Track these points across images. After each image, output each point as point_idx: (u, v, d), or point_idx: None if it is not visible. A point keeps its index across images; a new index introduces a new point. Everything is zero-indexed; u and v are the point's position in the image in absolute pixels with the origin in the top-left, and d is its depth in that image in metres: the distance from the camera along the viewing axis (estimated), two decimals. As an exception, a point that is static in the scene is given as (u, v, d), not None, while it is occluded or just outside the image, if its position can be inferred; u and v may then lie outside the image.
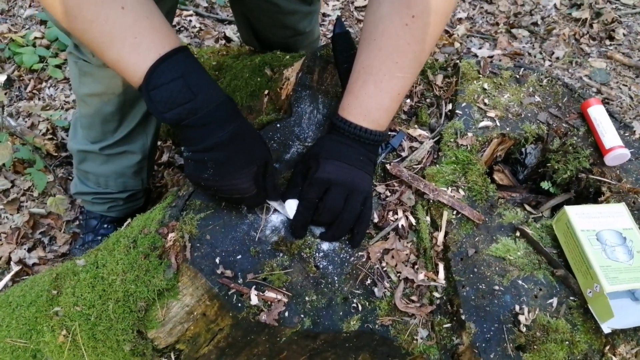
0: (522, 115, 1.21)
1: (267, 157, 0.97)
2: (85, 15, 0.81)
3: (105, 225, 1.74)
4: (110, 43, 0.84)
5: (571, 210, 0.99)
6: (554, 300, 0.95)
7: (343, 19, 2.71)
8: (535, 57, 2.53)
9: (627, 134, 1.19)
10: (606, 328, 0.90)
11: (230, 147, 0.90)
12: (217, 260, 0.95)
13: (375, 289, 0.97)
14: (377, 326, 0.93)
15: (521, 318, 0.93)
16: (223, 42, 2.48)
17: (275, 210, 1.02)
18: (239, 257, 0.96)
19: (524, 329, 0.92)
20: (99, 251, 1.08)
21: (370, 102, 1.02)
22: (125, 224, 1.13)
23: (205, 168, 0.91)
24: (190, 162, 0.93)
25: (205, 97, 0.88)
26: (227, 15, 2.65)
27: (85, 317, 1.03)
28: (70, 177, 1.94)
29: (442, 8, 0.94)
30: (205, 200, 1.02)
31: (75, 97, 1.56)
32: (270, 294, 0.93)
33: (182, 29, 2.57)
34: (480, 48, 2.57)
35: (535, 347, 0.91)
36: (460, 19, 2.75)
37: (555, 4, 2.80)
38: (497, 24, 2.72)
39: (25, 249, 1.76)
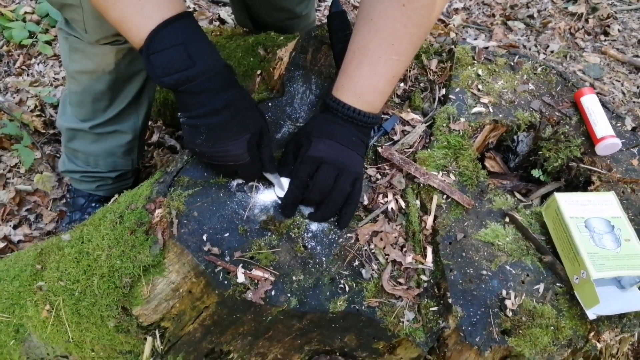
0: (515, 103, 1.20)
1: (262, 126, 0.97)
2: None
3: (93, 204, 1.71)
4: (114, 3, 0.84)
5: (561, 197, 0.99)
6: (541, 286, 0.95)
7: (339, 5, 2.69)
8: (530, 49, 2.53)
9: (618, 124, 1.19)
10: (591, 314, 0.91)
11: (224, 114, 0.91)
12: (204, 238, 0.94)
13: (363, 271, 0.97)
14: (363, 307, 0.93)
15: (508, 303, 0.93)
16: (217, 23, 2.45)
17: (265, 188, 1.01)
18: (227, 235, 0.95)
19: (510, 314, 0.92)
20: (85, 226, 1.06)
21: (365, 84, 1.01)
22: (112, 199, 1.11)
23: (199, 133, 0.92)
24: (186, 128, 0.94)
25: (203, 65, 0.88)
26: (222, -3, 2.62)
27: (69, 292, 1.02)
28: (58, 155, 1.92)
29: None
30: (193, 177, 1.00)
31: (66, 74, 1.53)
32: (257, 273, 0.92)
33: (175, 9, 2.53)
34: (475, 39, 2.56)
35: (520, 331, 0.91)
36: (456, 9, 2.74)
37: (551, -2, 2.79)
38: (494, 15, 2.72)
39: (10, 225, 1.74)
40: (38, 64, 2.23)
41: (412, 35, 0.97)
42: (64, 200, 1.82)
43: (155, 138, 1.97)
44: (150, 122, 1.99)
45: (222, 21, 2.44)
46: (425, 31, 0.99)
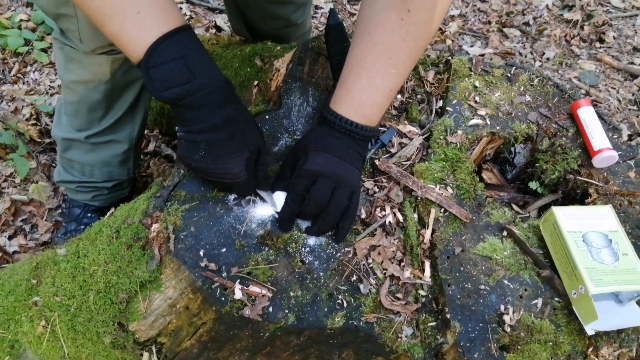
0: (513, 115, 1.21)
1: (261, 144, 0.96)
2: None
3: (89, 215, 1.71)
4: (112, 16, 0.83)
5: (558, 211, 0.99)
6: (539, 301, 0.95)
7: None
8: (526, 57, 2.53)
9: (615, 136, 1.19)
10: (590, 330, 0.91)
11: (224, 131, 0.90)
12: (201, 253, 0.93)
13: (361, 286, 0.96)
14: (361, 323, 0.92)
15: (506, 318, 0.93)
16: (213, 31, 2.45)
17: (262, 202, 1.01)
18: (224, 250, 0.94)
19: (508, 329, 0.92)
20: (81, 241, 1.06)
21: (362, 97, 1.01)
22: (108, 213, 1.10)
23: (198, 149, 0.91)
24: (183, 142, 0.93)
25: (204, 79, 0.87)
26: (218, 4, 2.61)
27: (65, 307, 1.01)
28: (53, 164, 1.91)
29: (439, 3, 0.93)
30: (190, 191, 1.00)
31: (61, 84, 1.52)
32: (254, 289, 0.91)
33: (172, 16, 2.53)
34: (472, 46, 2.57)
35: (519, 347, 0.90)
36: (452, 16, 2.74)
37: (547, 5, 2.80)
38: (490, 22, 2.72)
39: (5, 236, 1.72)
40: (34, 72, 2.22)
41: (411, 49, 0.97)
42: (60, 211, 1.81)
43: (151, 147, 1.96)
44: (146, 131, 1.98)
45: (219, 29, 2.44)
46: (424, 45, 0.99)
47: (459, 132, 1.14)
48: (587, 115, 1.17)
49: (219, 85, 0.89)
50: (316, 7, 2.69)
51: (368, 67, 0.98)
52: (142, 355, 1.02)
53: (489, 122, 1.18)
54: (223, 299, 0.90)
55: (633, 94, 2.40)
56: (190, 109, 0.88)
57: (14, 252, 1.69)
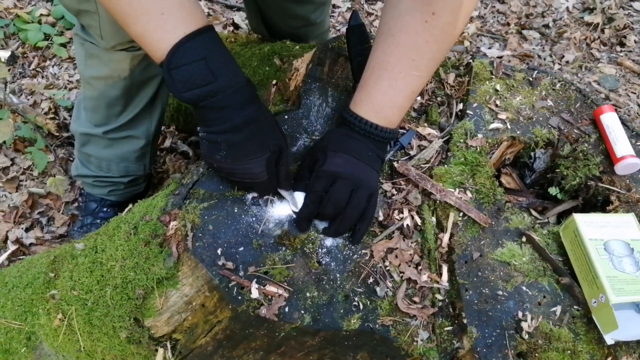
0: (534, 119, 1.19)
1: (282, 144, 0.96)
2: None
3: (105, 209, 1.72)
4: (136, 16, 0.83)
5: (580, 218, 0.98)
6: (558, 309, 0.94)
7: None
8: (545, 59, 2.51)
9: (638, 143, 1.17)
10: (609, 339, 0.89)
11: (245, 131, 0.91)
12: (219, 252, 0.93)
13: (378, 288, 0.96)
14: (377, 326, 0.92)
15: (524, 325, 0.92)
16: (231, 28, 2.45)
17: (280, 202, 1.01)
18: (241, 249, 0.94)
19: (526, 336, 0.91)
20: (99, 236, 1.06)
21: (384, 99, 1.00)
22: (126, 209, 1.11)
23: (219, 149, 0.92)
24: (205, 143, 0.94)
25: (225, 81, 0.87)
26: (237, 2, 2.62)
27: (82, 301, 1.02)
28: (71, 158, 1.93)
29: (463, 6, 0.92)
30: (209, 189, 1.00)
31: (81, 79, 1.54)
32: (271, 288, 0.91)
33: (190, 13, 2.54)
34: (490, 48, 2.55)
35: (536, 355, 0.89)
36: (471, 18, 2.72)
37: (567, 7, 2.77)
38: (508, 24, 2.70)
39: (22, 228, 1.74)
40: (53, 67, 2.24)
41: (434, 52, 0.96)
42: (76, 204, 1.82)
43: (167, 143, 1.97)
44: (162, 128, 1.99)
45: (236, 26, 2.44)
46: (447, 47, 0.98)
47: (479, 135, 1.13)
48: (610, 121, 1.15)
49: (240, 86, 0.89)
50: (334, 6, 2.68)
51: (390, 69, 0.98)
52: (156, 350, 1.02)
53: (509, 127, 1.17)
54: (239, 297, 0.90)
55: (653, 100, 2.37)
56: (212, 110, 0.89)
57: (31, 244, 1.71)
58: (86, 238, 1.10)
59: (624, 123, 1.17)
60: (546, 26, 2.67)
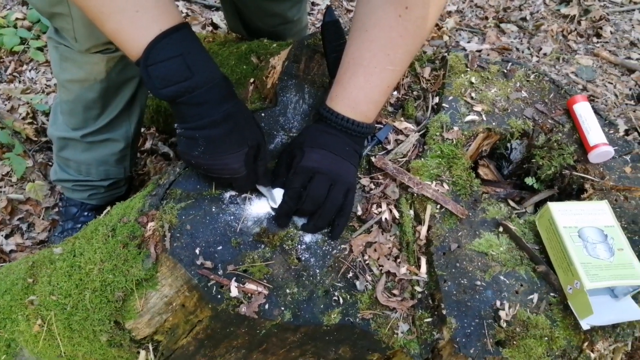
0: (509, 110, 1.20)
1: (260, 139, 0.97)
2: None
3: (86, 213, 1.70)
4: (110, 14, 0.83)
5: (554, 207, 0.99)
6: (535, 296, 0.95)
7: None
8: (523, 52, 2.53)
9: (611, 132, 1.19)
10: (585, 325, 0.91)
11: (223, 127, 0.91)
12: (197, 251, 0.93)
13: (357, 282, 0.96)
14: (357, 320, 0.93)
15: (502, 314, 0.93)
16: (210, 28, 2.44)
17: (258, 200, 1.01)
18: (220, 248, 0.94)
19: (504, 325, 0.92)
20: (77, 239, 1.06)
21: (359, 94, 1.01)
22: (104, 212, 1.10)
23: (197, 145, 0.91)
24: (182, 139, 0.93)
25: (202, 77, 0.87)
26: (215, 1, 2.61)
27: (61, 306, 1.01)
28: (50, 163, 1.91)
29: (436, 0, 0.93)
30: (186, 189, 1.00)
31: (56, 83, 1.52)
32: (250, 286, 0.91)
33: (168, 14, 2.52)
34: (469, 42, 2.56)
35: (514, 342, 0.91)
36: (449, 12, 2.74)
37: (544, 0, 2.80)
38: (487, 18, 2.72)
39: (2, 235, 1.72)
40: (30, 71, 2.21)
41: (408, 45, 0.97)
42: (56, 209, 1.81)
43: (148, 145, 1.96)
44: (143, 129, 1.98)
45: (215, 26, 2.44)
46: (421, 41, 0.99)
47: (455, 128, 1.14)
48: (583, 110, 1.17)
49: (217, 82, 0.89)
50: (313, 3, 2.69)
51: (365, 64, 0.98)
52: (138, 353, 1.02)
53: (485, 118, 1.18)
54: (219, 296, 0.90)
55: (630, 89, 2.40)
56: (189, 106, 0.88)
57: (11, 251, 1.69)
58: (64, 242, 1.09)
59: (596, 112, 1.19)
60: (524, 19, 2.70)
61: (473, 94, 1.21)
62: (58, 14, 1.18)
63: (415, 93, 1.24)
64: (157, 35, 0.83)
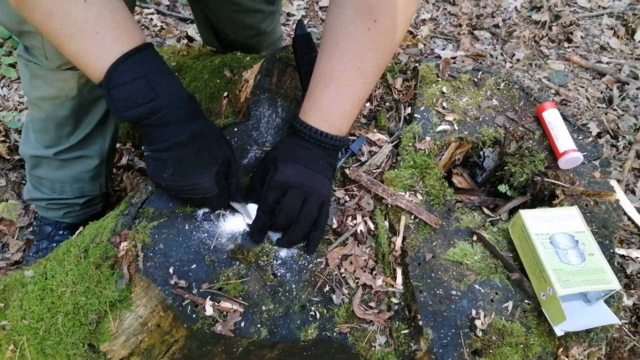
0: (480, 119, 1.22)
1: (230, 156, 0.96)
2: (45, 6, 0.78)
3: (61, 232, 1.68)
4: (70, 37, 0.82)
5: (526, 214, 1.01)
6: (510, 304, 0.96)
7: (307, 19, 2.70)
8: (496, 58, 2.57)
9: (580, 137, 1.21)
10: (559, 331, 0.92)
11: (190, 146, 0.90)
12: (171, 270, 0.92)
13: (334, 296, 0.96)
14: (335, 334, 0.92)
15: (477, 323, 0.93)
16: (185, 41, 2.43)
17: (232, 216, 1.00)
18: (194, 266, 0.93)
19: (480, 334, 0.93)
20: (49, 261, 1.04)
21: (331, 107, 1.01)
22: (76, 232, 1.09)
23: (165, 167, 0.91)
24: (151, 162, 0.93)
25: (167, 97, 0.87)
26: (189, 14, 2.60)
27: (33, 331, 0.99)
28: (23, 182, 1.87)
29: (404, 12, 0.94)
30: (158, 207, 0.99)
31: (27, 100, 1.50)
32: (225, 304, 0.91)
33: (142, 27, 2.51)
34: (443, 49, 2.59)
35: (490, 351, 0.91)
36: (424, 20, 2.77)
37: (516, 7, 2.84)
38: (460, 25, 2.75)
39: (-25, 256, 1.69)
40: (1, 88, 2.18)
41: (378, 58, 0.98)
42: (31, 229, 1.77)
43: (124, 161, 1.94)
44: (118, 145, 1.96)
45: (190, 39, 2.43)
46: (391, 53, 1.00)
47: (427, 138, 1.15)
48: (552, 117, 1.19)
49: (182, 102, 0.89)
50: (288, 14, 2.69)
51: (336, 77, 0.99)
52: (115, 375, 1.00)
53: (456, 128, 1.19)
54: (194, 315, 0.89)
55: (601, 92, 2.45)
56: (155, 128, 0.88)
57: (-15, 273, 1.66)
58: (36, 265, 1.07)
59: (565, 118, 1.21)
60: (496, 26, 2.74)
61: (445, 104, 1.22)
62: (27, 32, 1.17)
63: (387, 104, 1.25)
64: (118, 57, 0.83)
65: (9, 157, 1.92)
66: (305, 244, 1.00)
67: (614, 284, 0.93)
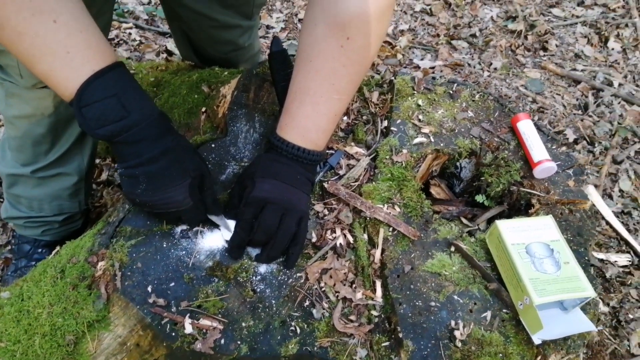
0: (456, 131, 1.24)
1: (203, 169, 0.97)
2: (14, 27, 0.78)
3: (40, 250, 1.65)
4: (40, 56, 0.82)
5: (502, 225, 1.02)
6: (488, 314, 0.97)
7: (287, 31, 2.72)
8: (474, 67, 2.60)
9: (554, 147, 1.23)
10: (537, 339, 0.93)
11: (162, 161, 0.91)
12: (149, 289, 0.92)
13: (314, 310, 0.96)
14: (315, 348, 0.92)
15: (457, 333, 0.94)
16: (164, 55, 2.43)
17: (210, 233, 1.00)
18: (172, 284, 0.93)
19: (459, 344, 0.93)
20: (25, 282, 1.02)
21: (308, 123, 1.02)
22: (53, 252, 1.07)
23: (138, 183, 0.91)
24: (124, 178, 0.93)
25: (138, 115, 0.87)
26: (168, 29, 2.60)
27: (10, 353, 0.97)
28: (0, 199, 1.85)
29: (376, 29, 0.95)
30: (136, 226, 0.99)
31: (3, 119, 1.48)
32: (205, 322, 0.91)
33: (121, 42, 2.50)
34: (422, 59, 2.62)
35: (470, 361, 0.92)
36: (402, 31, 2.80)
37: (492, 17, 2.89)
38: (438, 35, 2.79)
39: (-49, 277, 1.65)
40: (-23, 105, 2.15)
41: (351, 75, 0.99)
42: (9, 247, 1.75)
43: (104, 176, 1.92)
44: (98, 160, 1.95)
45: (170, 53, 2.42)
46: (364, 70, 1.01)
47: (404, 151, 1.16)
48: (526, 128, 1.21)
49: (153, 119, 0.89)
50: (268, 27, 2.71)
51: (311, 94, 1.00)
52: (94, 396, 0.99)
53: (432, 140, 1.20)
54: (173, 334, 0.89)
55: (577, 99, 2.50)
56: (127, 145, 0.88)
57: (-39, 294, 1.62)
58: (12, 285, 1.05)
59: (539, 128, 1.23)
60: (473, 35, 2.78)
61: (420, 116, 1.24)
62: (1, 51, 1.16)
63: (364, 117, 1.26)
64: (89, 76, 0.83)
65: (-15, 175, 1.89)
66: (284, 259, 1.00)
67: (589, 292, 0.94)
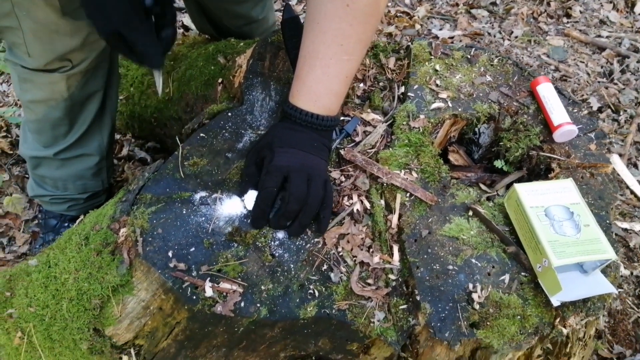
0: (474, 95, 1.22)
1: None
2: None
3: (66, 224, 1.70)
4: None
5: (520, 188, 1.01)
6: (506, 277, 0.97)
7: (303, 4, 2.69)
8: (494, 36, 2.55)
9: (575, 110, 1.21)
10: (555, 301, 0.93)
11: None
12: (170, 254, 0.94)
13: (332, 274, 0.97)
14: (334, 311, 0.94)
15: (474, 296, 0.94)
16: (181, 30, 2.43)
17: (229, 199, 1.01)
18: (192, 249, 0.95)
19: (477, 307, 0.94)
20: (51, 250, 1.06)
21: (319, 88, 1.02)
22: (77, 221, 1.10)
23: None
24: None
25: None
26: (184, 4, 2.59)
27: (39, 317, 1.01)
28: (26, 175, 1.90)
29: None
30: (156, 193, 1.00)
31: (21, 103, 1.50)
32: (225, 285, 0.92)
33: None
34: (440, 29, 2.58)
35: (488, 323, 0.92)
36: (420, 1, 2.75)
37: (513, -17, 2.82)
38: (457, 4, 2.73)
39: (-17, 251, 1.71)
40: (1, 84, 2.19)
41: (359, 34, 0.98)
42: (36, 222, 1.80)
43: (125, 152, 1.95)
44: (118, 136, 1.98)
45: (186, 28, 2.43)
46: (372, 28, 1.00)
47: (421, 116, 1.15)
48: (546, 91, 1.19)
49: None
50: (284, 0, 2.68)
51: (321, 57, 0.99)
52: (121, 358, 1.03)
53: (450, 105, 1.19)
54: (194, 297, 0.91)
55: (601, 67, 2.44)
56: None
57: (-7, 267, 1.69)
58: (40, 254, 1.09)
59: (560, 92, 1.21)
60: (493, 4, 2.72)
61: (438, 82, 1.22)
62: (7, 27, 1.15)
63: (381, 84, 1.25)
64: None
65: (11, 152, 1.94)
66: (316, 225, 1.01)
67: (610, 254, 0.93)
